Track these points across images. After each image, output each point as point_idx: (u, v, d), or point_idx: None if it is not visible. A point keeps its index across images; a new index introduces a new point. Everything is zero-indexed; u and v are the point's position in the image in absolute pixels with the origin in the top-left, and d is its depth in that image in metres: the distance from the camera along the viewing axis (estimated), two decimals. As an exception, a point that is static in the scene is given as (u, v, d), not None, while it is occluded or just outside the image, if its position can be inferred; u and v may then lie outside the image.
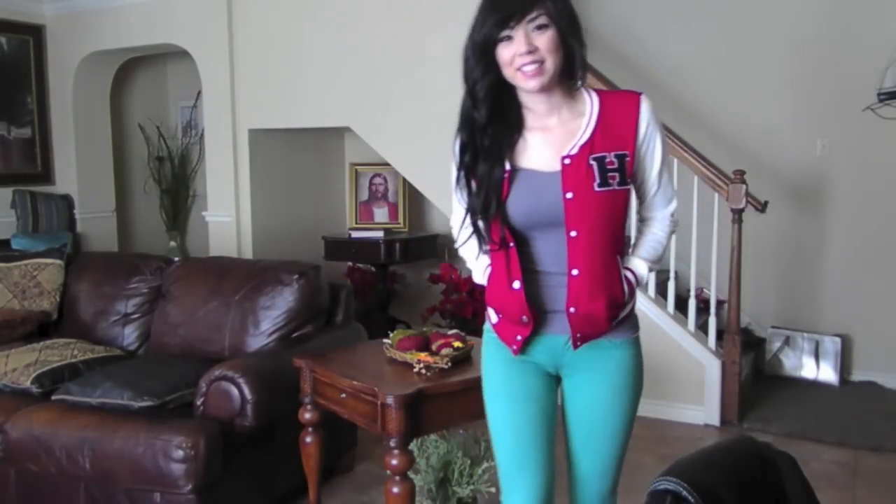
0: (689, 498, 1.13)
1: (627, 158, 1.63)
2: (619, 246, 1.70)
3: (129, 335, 3.43)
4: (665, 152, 1.72)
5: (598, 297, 1.65)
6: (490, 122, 1.64)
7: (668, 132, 4.05)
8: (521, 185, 1.65)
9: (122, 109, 5.96)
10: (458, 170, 1.70)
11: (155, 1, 4.98)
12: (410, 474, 2.37)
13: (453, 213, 1.84)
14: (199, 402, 2.71)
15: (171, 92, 6.34)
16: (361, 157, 5.40)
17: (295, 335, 3.15)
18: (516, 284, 1.67)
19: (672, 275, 4.06)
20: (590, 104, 1.66)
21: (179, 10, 4.90)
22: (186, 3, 4.87)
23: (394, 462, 2.27)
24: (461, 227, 1.74)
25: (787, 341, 4.70)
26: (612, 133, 1.63)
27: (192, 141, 6.15)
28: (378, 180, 5.34)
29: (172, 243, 6.06)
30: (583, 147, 1.62)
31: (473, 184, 1.67)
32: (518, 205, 1.65)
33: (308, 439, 2.75)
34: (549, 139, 1.65)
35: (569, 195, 1.61)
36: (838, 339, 4.56)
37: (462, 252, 1.88)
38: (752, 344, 4.67)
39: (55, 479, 2.70)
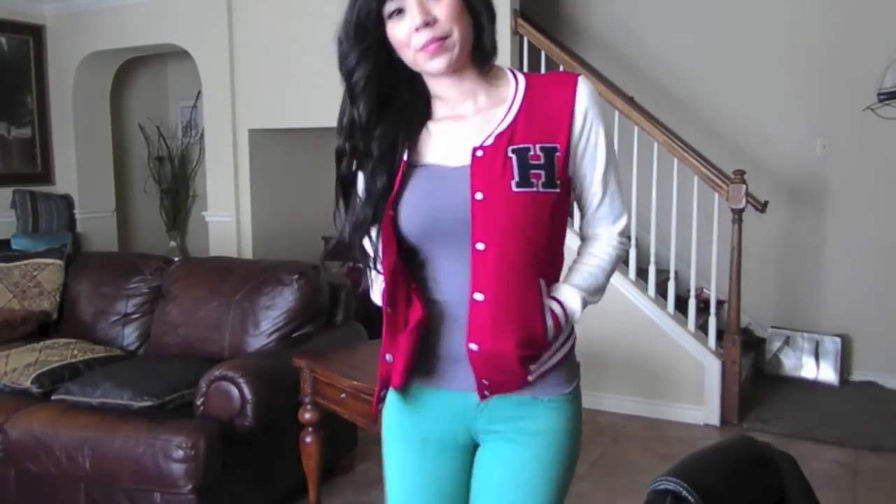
0: (689, 498, 1.13)
1: (558, 154, 1.26)
2: (546, 268, 1.31)
3: (129, 335, 3.43)
4: (610, 153, 1.34)
5: (507, 331, 1.25)
6: (374, 122, 1.30)
7: (667, 132, 4.06)
8: (417, 183, 1.29)
9: (122, 109, 5.97)
10: (338, 184, 1.36)
11: (155, 1, 4.98)
12: (410, 474, 2.37)
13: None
14: (199, 402, 2.71)
15: (171, 92, 6.34)
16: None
17: (295, 335, 3.15)
18: (389, 310, 1.34)
19: (672, 275, 4.06)
20: (514, 87, 1.31)
21: (179, 10, 4.91)
22: (186, 3, 4.87)
23: (394, 462, 2.27)
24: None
25: (787, 341, 4.69)
26: (540, 121, 1.27)
27: (192, 141, 6.15)
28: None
29: (172, 243, 6.06)
30: (500, 136, 1.26)
31: (356, 198, 1.34)
32: (411, 207, 1.28)
33: (308, 439, 2.75)
34: (461, 129, 1.30)
35: (478, 195, 1.24)
36: (838, 339, 4.56)
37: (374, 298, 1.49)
38: (752, 344, 4.67)
39: (55, 479, 2.70)
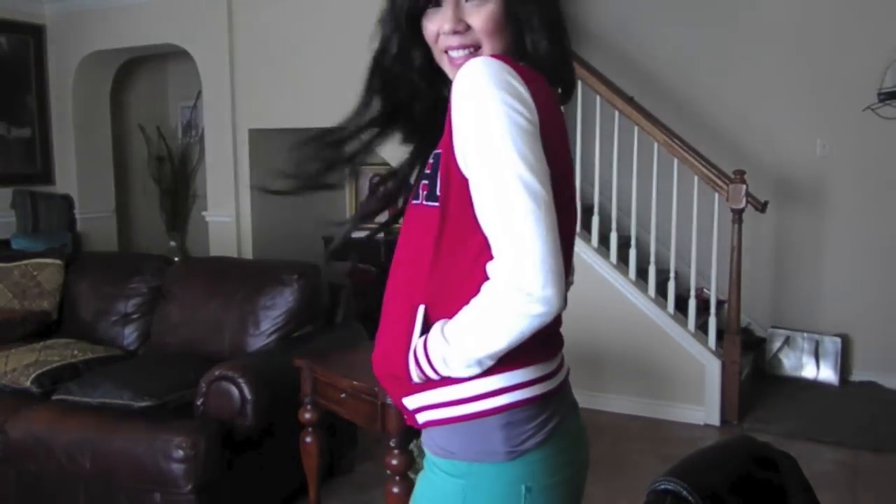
0: (689, 498, 1.13)
1: (441, 159, 1.08)
2: (438, 295, 1.08)
3: (129, 335, 3.43)
4: (487, 153, 1.00)
5: (378, 343, 1.17)
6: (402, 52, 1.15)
7: (667, 132, 4.06)
8: None
9: (122, 109, 5.96)
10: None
11: (155, 1, 4.98)
12: (410, 474, 2.37)
13: None
14: (199, 402, 2.71)
15: (171, 92, 6.34)
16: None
17: (295, 335, 3.15)
18: None
19: (672, 275, 4.06)
20: None
21: (179, 10, 4.90)
22: (186, 3, 4.87)
23: (394, 462, 2.28)
24: None
25: (787, 341, 4.69)
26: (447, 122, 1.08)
27: (192, 141, 6.15)
28: (374, 179, 5.35)
29: (172, 243, 6.06)
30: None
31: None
32: None
33: (308, 439, 2.75)
34: None
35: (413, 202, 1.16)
36: (838, 339, 4.56)
37: None
38: (752, 344, 4.67)
39: (55, 479, 2.70)
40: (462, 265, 1.06)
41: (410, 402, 1.12)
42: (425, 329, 1.08)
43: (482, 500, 1.06)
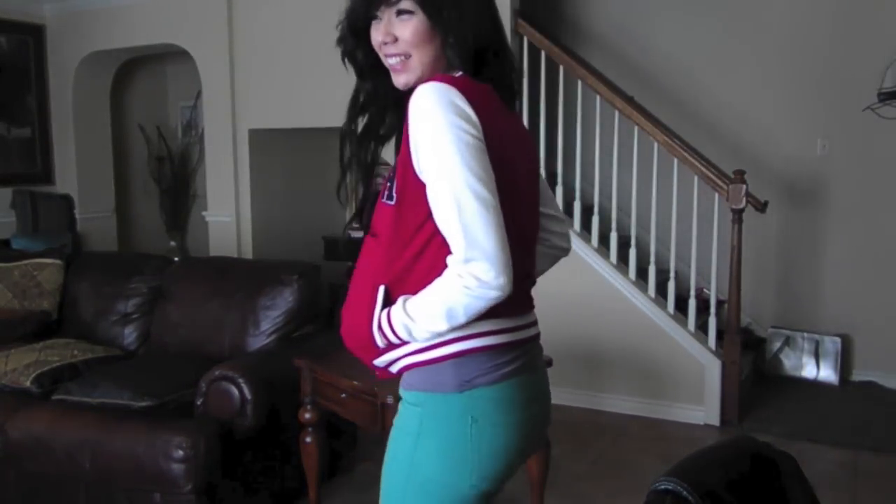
0: (689, 498, 1.13)
1: (398, 166, 1.30)
2: (397, 278, 1.29)
3: (129, 335, 3.43)
4: (434, 163, 1.21)
5: (343, 320, 1.40)
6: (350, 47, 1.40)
7: (667, 132, 4.06)
8: None
9: (122, 109, 5.96)
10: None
11: (155, 1, 4.98)
12: (410, 474, 2.37)
13: None
14: (199, 402, 2.71)
15: (171, 92, 6.34)
16: (361, 157, 5.39)
17: (295, 335, 3.15)
18: None
19: (672, 275, 4.06)
20: None
21: (179, 10, 4.91)
22: (186, 3, 4.88)
23: (394, 462, 2.27)
24: None
25: (787, 341, 4.70)
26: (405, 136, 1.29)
27: (192, 141, 6.15)
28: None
29: (172, 243, 6.06)
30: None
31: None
32: None
33: (308, 439, 2.75)
34: None
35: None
36: (838, 339, 4.56)
37: None
38: (752, 344, 4.67)
39: (55, 480, 2.70)
40: (413, 251, 1.27)
41: (380, 361, 1.35)
42: (386, 304, 1.30)
43: (434, 423, 1.29)
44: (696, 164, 3.97)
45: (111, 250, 5.36)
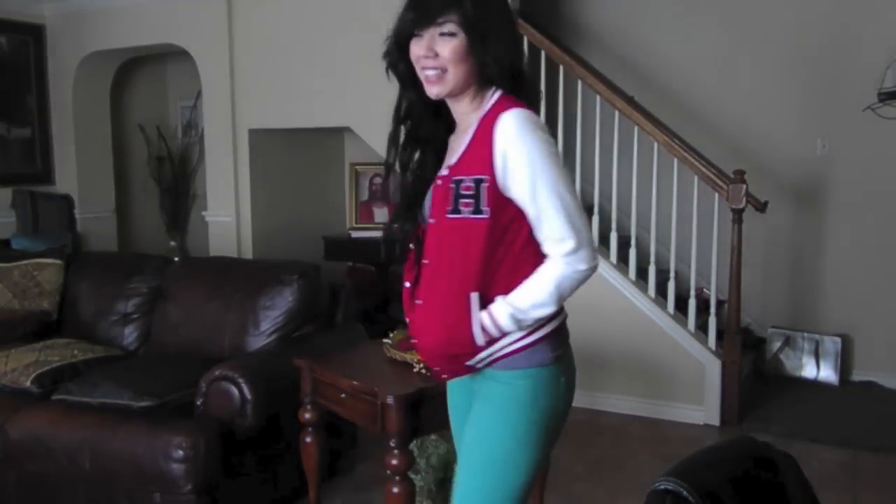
0: (689, 498, 1.13)
1: (485, 184, 1.46)
2: (488, 283, 1.51)
3: (129, 335, 3.43)
4: (537, 177, 1.46)
5: (433, 331, 1.56)
6: (395, 61, 1.59)
7: (667, 132, 4.06)
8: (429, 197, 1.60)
9: (122, 109, 5.96)
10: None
11: (155, 1, 4.98)
12: (410, 474, 2.37)
13: None
14: (199, 402, 2.71)
15: (171, 92, 6.34)
16: (361, 157, 5.40)
17: (295, 335, 3.15)
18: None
19: (672, 275, 4.06)
20: (477, 118, 1.52)
21: (179, 10, 4.90)
22: (186, 3, 4.87)
23: (394, 462, 2.27)
24: None
25: (787, 341, 4.70)
26: (476, 154, 1.49)
27: (192, 141, 6.15)
28: (378, 180, 5.35)
29: (172, 243, 6.06)
30: (452, 167, 1.52)
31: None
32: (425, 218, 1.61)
33: (308, 439, 2.75)
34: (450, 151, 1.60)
35: (431, 220, 1.55)
36: (838, 339, 4.56)
37: None
38: (752, 344, 4.67)
39: (55, 480, 2.70)
40: (512, 259, 1.51)
41: (474, 360, 1.56)
42: (481, 307, 1.52)
43: (543, 389, 1.56)
44: (696, 164, 3.97)
45: (111, 250, 5.36)
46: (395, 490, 2.29)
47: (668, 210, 4.09)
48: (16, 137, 5.30)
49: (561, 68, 4.25)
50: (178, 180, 6.11)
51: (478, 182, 1.46)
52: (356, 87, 4.46)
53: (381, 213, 5.31)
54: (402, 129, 1.62)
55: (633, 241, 4.14)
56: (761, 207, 4.02)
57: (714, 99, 4.90)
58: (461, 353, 1.54)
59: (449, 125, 1.61)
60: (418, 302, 1.57)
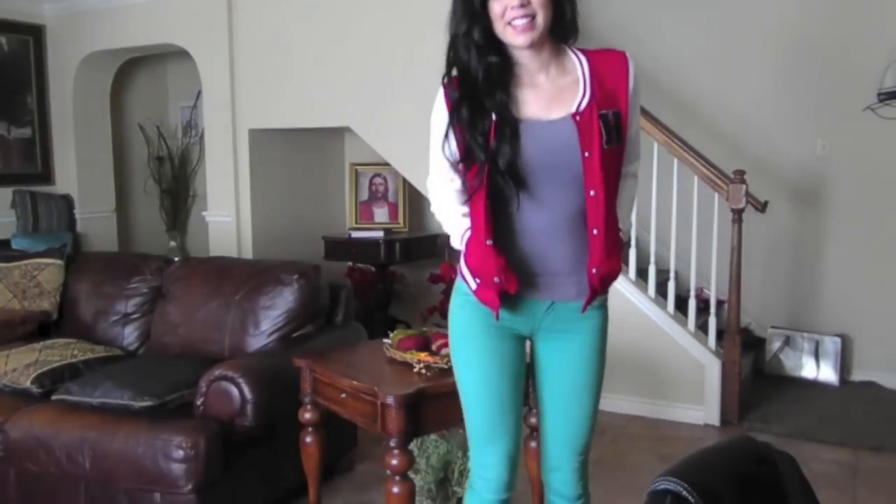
0: (689, 498, 1.13)
1: (621, 116, 1.64)
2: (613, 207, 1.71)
3: (129, 335, 3.43)
4: (640, 110, 1.78)
5: (615, 255, 1.69)
6: (486, 73, 1.62)
7: (667, 132, 4.08)
8: (532, 138, 1.63)
9: (122, 109, 5.96)
10: (454, 123, 1.67)
11: (155, 1, 4.98)
12: (410, 474, 2.37)
13: (432, 174, 1.84)
14: (199, 402, 2.71)
15: (171, 92, 6.34)
16: (361, 157, 5.40)
17: (295, 335, 3.15)
18: (489, 242, 1.66)
19: (672, 275, 4.06)
20: (577, 62, 1.67)
21: (179, 10, 4.90)
22: (186, 3, 4.87)
23: (394, 462, 2.27)
24: (442, 185, 1.79)
25: (787, 341, 4.70)
26: (607, 91, 1.64)
27: (192, 141, 6.15)
28: (378, 180, 5.34)
29: (172, 243, 6.06)
30: (589, 104, 1.62)
31: (475, 136, 1.64)
32: (536, 157, 1.63)
33: (308, 439, 2.75)
34: (542, 95, 1.66)
35: (586, 154, 1.61)
36: (838, 339, 4.56)
37: (441, 213, 1.85)
38: (752, 344, 4.67)
39: (55, 479, 2.70)
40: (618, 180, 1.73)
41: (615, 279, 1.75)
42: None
43: (607, 296, 1.83)
44: (696, 164, 3.97)
45: (111, 250, 5.36)
46: (395, 490, 2.29)
47: (668, 210, 4.09)
48: (16, 137, 5.30)
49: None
50: (178, 180, 6.11)
51: (617, 116, 1.63)
52: (356, 87, 4.46)
53: (382, 213, 5.31)
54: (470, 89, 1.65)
55: (633, 242, 4.14)
56: (761, 207, 4.02)
57: (714, 99, 4.90)
58: (616, 268, 1.71)
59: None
60: (595, 232, 1.64)
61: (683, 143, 4.03)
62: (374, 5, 4.40)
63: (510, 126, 1.61)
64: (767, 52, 4.75)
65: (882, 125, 4.47)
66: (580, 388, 1.79)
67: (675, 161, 4.04)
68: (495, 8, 1.58)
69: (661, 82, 4.97)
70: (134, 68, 5.95)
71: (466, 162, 1.67)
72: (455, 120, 1.66)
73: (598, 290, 1.70)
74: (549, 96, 1.65)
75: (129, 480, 2.58)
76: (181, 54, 5.19)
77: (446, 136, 1.70)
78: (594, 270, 1.67)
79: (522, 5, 1.55)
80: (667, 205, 4.10)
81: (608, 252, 1.66)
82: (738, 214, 3.87)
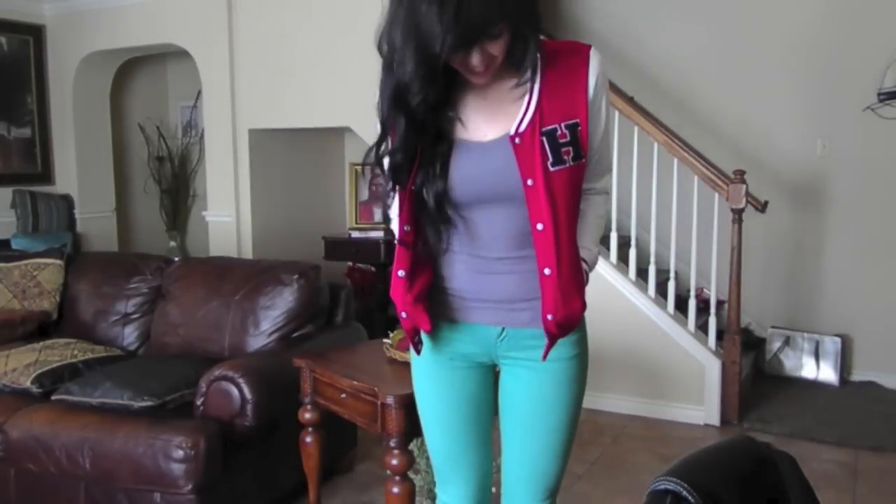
0: (689, 498, 1.13)
1: (580, 128, 1.38)
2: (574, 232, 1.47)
3: (129, 335, 3.43)
4: (609, 114, 1.48)
5: (574, 295, 1.44)
6: (424, 93, 1.35)
7: (667, 132, 4.07)
8: (466, 159, 1.40)
9: (122, 109, 5.96)
10: (384, 144, 1.48)
11: (155, 1, 4.98)
12: (410, 474, 2.37)
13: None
14: (199, 402, 2.71)
15: (171, 92, 6.34)
16: (361, 158, 5.39)
17: (295, 335, 3.15)
18: (401, 273, 1.48)
19: (672, 275, 4.06)
20: (531, 64, 1.37)
21: (179, 10, 4.90)
22: (186, 3, 4.87)
23: (394, 462, 2.28)
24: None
25: (787, 341, 4.69)
26: (560, 98, 1.37)
27: (192, 141, 6.15)
28: (378, 180, 5.34)
29: (172, 243, 6.06)
30: (531, 121, 1.37)
31: (395, 152, 1.43)
32: (467, 181, 1.40)
33: (308, 439, 2.75)
34: (488, 106, 1.42)
35: (529, 182, 1.37)
36: (838, 339, 4.56)
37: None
38: (752, 344, 4.67)
39: (55, 479, 2.70)
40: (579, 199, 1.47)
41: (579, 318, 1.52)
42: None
43: (585, 334, 1.58)
44: (696, 164, 3.97)
45: (111, 250, 5.36)
46: (395, 490, 2.29)
47: (668, 210, 4.09)
48: (16, 137, 5.30)
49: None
50: (178, 180, 6.11)
51: (573, 128, 1.37)
52: (356, 87, 4.45)
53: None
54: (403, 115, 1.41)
55: (633, 241, 4.14)
56: (761, 207, 4.02)
57: (714, 99, 4.90)
58: (579, 311, 1.47)
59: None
60: (547, 272, 1.40)
61: (683, 143, 4.03)
62: (374, 5, 4.40)
63: (441, 148, 1.40)
64: (768, 52, 4.75)
65: (882, 125, 4.47)
66: (544, 426, 1.57)
67: (676, 161, 4.04)
68: (461, 63, 1.33)
69: (661, 82, 4.97)
70: (134, 68, 5.95)
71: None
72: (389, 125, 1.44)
73: (558, 336, 1.47)
74: (491, 108, 1.41)
75: (129, 480, 2.58)
76: (181, 54, 5.19)
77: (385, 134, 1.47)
78: (549, 317, 1.43)
79: (488, 66, 1.33)
80: (667, 205, 4.10)
81: (564, 293, 1.42)
82: (738, 214, 3.87)
